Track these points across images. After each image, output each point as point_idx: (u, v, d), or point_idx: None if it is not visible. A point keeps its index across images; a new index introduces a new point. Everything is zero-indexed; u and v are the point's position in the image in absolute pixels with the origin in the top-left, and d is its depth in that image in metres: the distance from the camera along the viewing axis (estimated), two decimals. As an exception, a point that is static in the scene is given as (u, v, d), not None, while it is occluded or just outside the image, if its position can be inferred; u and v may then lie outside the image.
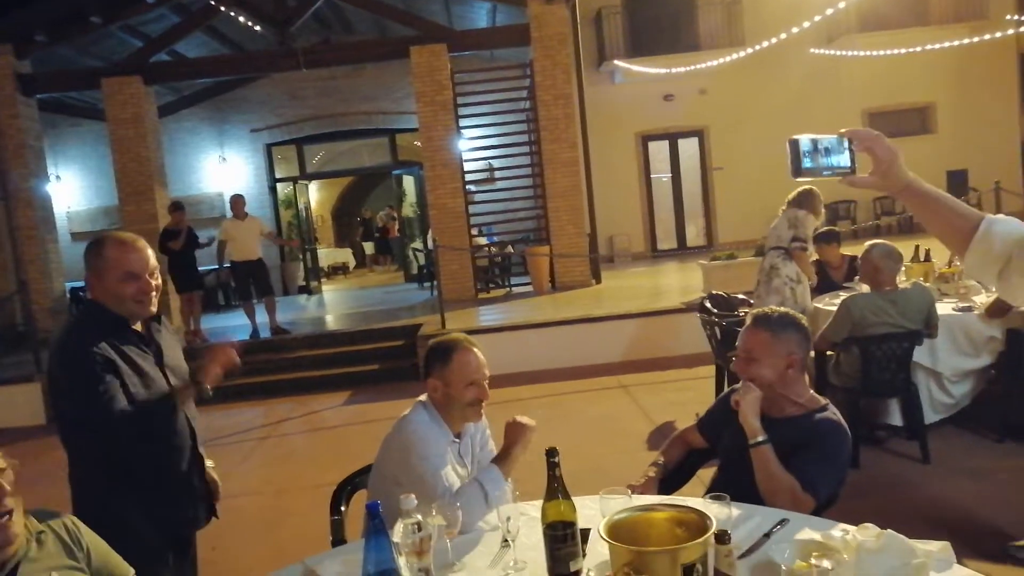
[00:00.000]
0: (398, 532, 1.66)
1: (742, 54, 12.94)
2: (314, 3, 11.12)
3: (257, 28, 11.24)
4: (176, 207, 9.53)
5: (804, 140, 1.42)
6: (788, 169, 1.44)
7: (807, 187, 5.37)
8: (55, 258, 11.20)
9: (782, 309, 2.40)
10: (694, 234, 15.65)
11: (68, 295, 11.56)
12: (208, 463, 2.69)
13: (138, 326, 2.35)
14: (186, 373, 2.47)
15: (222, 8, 10.61)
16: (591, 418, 6.22)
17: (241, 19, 10.85)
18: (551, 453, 1.71)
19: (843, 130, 1.45)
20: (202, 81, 13.55)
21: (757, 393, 2.24)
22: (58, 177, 14.26)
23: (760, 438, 2.19)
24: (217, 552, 3.92)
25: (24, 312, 9.26)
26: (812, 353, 4.54)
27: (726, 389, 3.90)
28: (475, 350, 2.35)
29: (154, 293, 2.32)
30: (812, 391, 2.37)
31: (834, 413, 2.29)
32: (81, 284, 12.34)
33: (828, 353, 4.66)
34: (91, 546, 1.89)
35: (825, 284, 5.90)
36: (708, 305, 5.68)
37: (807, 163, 1.42)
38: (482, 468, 2.27)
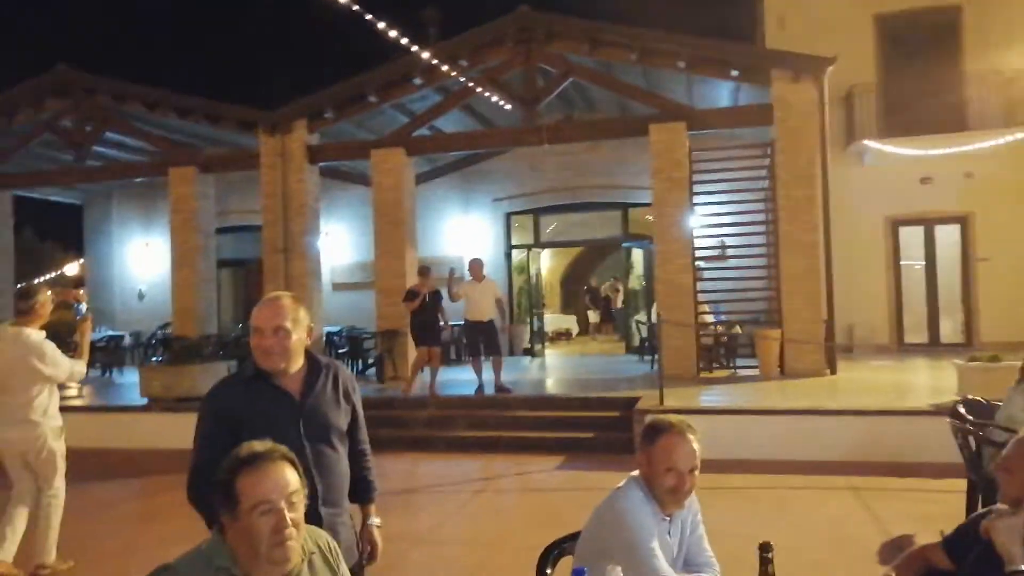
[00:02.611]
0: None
1: (1020, 136, 11.70)
2: (561, 84, 11.81)
3: (507, 106, 12.14)
4: (422, 271, 10.20)
5: None
6: None
7: None
8: (319, 306, 12.66)
9: None
10: (950, 329, 14.10)
11: (324, 339, 12.98)
12: (374, 520, 2.72)
13: (290, 380, 2.42)
14: (333, 427, 2.49)
15: (478, 88, 11.61)
16: (815, 519, 5.77)
17: (494, 98, 11.78)
18: (765, 548, 1.66)
19: None
20: (455, 153, 14.83)
21: (1018, 520, 1.99)
22: (327, 234, 16.15)
23: (1022, 566, 1.94)
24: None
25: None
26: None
27: (980, 508, 3.46)
28: (688, 436, 2.31)
29: (278, 348, 2.37)
30: None
31: None
32: (337, 329, 13.82)
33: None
34: (343, 573, 1.99)
35: None
36: (962, 411, 5.09)
37: None
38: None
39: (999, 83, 13.13)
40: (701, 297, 11.68)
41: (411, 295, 9.88)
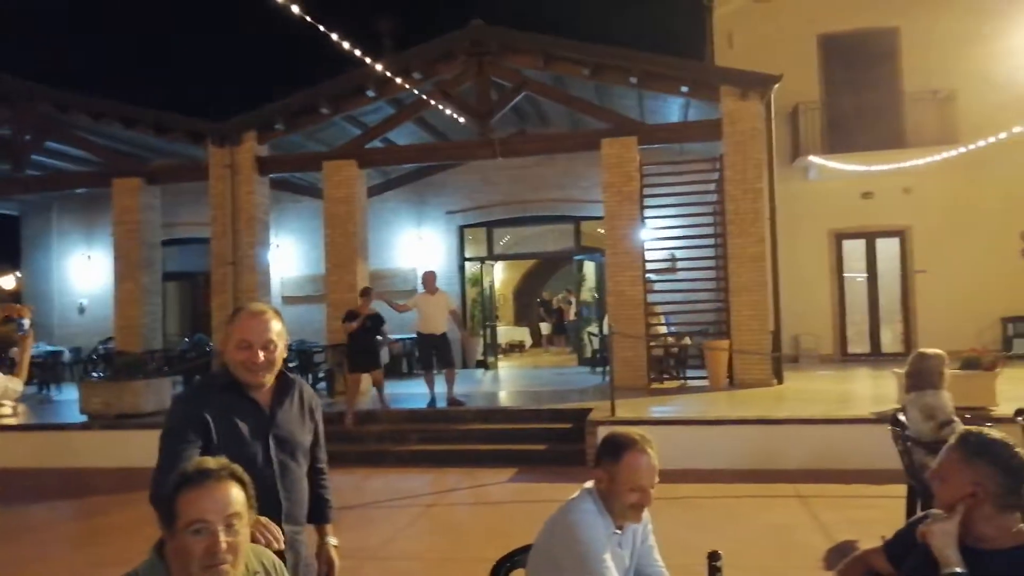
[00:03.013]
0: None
1: (955, 152, 12.15)
2: (514, 98, 11.89)
3: (460, 119, 12.16)
4: (364, 292, 9.91)
5: None
6: None
7: None
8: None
9: (996, 435, 2.18)
10: (890, 339, 14.53)
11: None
12: (331, 540, 2.69)
13: (262, 394, 2.40)
14: (299, 443, 2.47)
15: (432, 101, 11.61)
16: (762, 526, 5.86)
17: (447, 111, 11.80)
18: (713, 557, 1.68)
19: None
20: (408, 166, 14.78)
21: (952, 524, 2.06)
22: (277, 246, 15.90)
23: (957, 569, 2.00)
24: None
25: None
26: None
27: (919, 513, 3.56)
28: (649, 452, 2.33)
29: (266, 363, 2.36)
30: (1022, 527, 2.13)
31: None
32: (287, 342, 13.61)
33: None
34: None
35: None
36: (902, 419, 5.24)
37: None
38: None
39: (935, 102, 13.65)
40: (656, 309, 11.84)
41: (350, 316, 9.55)
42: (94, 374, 13.90)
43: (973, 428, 2.22)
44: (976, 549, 2.08)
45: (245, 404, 2.38)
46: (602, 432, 7.33)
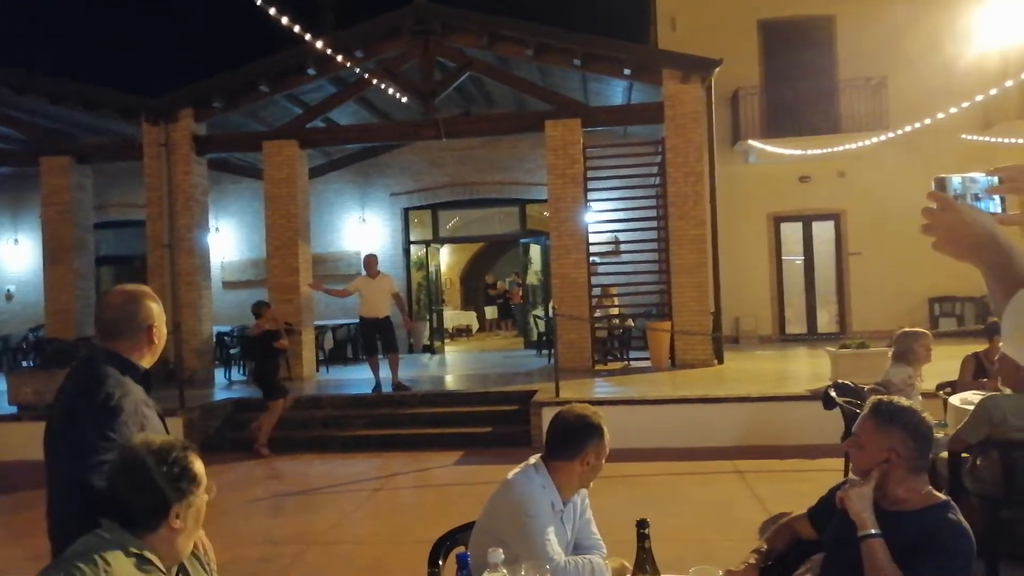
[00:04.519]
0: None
1: (885, 137, 12.53)
2: (458, 78, 11.80)
3: (404, 99, 12.01)
4: (258, 309, 8.86)
5: (954, 180, 1.35)
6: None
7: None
8: (207, 304, 12.15)
9: (905, 403, 2.30)
10: (826, 320, 15.00)
11: (214, 339, 12.48)
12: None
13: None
14: None
15: (374, 81, 11.44)
16: (702, 501, 6.01)
17: (390, 91, 11.64)
18: (641, 524, 1.72)
19: (993, 168, 1.37)
20: (351, 146, 14.56)
21: (867, 488, 2.17)
22: (217, 229, 15.53)
23: (872, 531, 2.11)
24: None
25: (176, 352, 10.04)
26: (944, 454, 4.25)
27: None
28: None
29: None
30: (930, 488, 2.26)
31: (956, 514, 2.16)
32: (228, 328, 13.33)
33: (964, 455, 4.33)
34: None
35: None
36: (832, 394, 5.43)
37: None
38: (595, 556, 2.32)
39: (868, 88, 14.05)
40: (612, 291, 11.97)
41: (272, 336, 8.69)
42: (24, 363, 13.42)
43: (884, 397, 2.33)
44: (890, 512, 2.19)
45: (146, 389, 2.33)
46: (547, 413, 7.41)
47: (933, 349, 5.34)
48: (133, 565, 1.74)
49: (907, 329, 5.42)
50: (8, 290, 16.55)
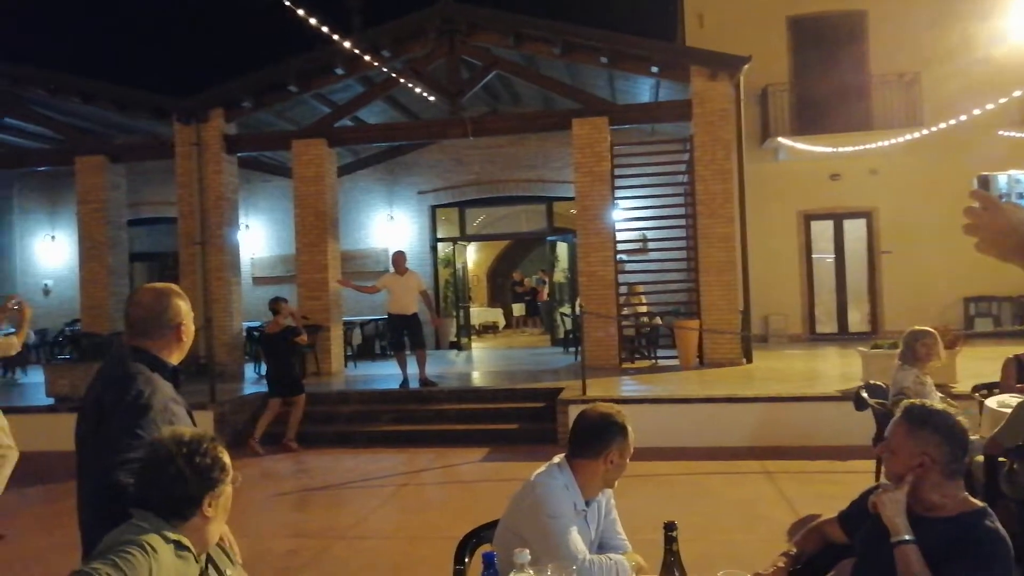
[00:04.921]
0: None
1: (919, 134, 12.32)
2: (485, 76, 11.81)
3: (431, 98, 12.04)
4: (275, 305, 8.76)
5: (999, 178, 1.30)
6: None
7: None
8: (237, 299, 12.32)
9: (939, 406, 2.26)
10: (857, 319, 14.78)
11: (244, 334, 12.64)
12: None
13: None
14: None
15: (402, 80, 11.49)
16: (729, 501, 5.97)
17: (418, 90, 11.68)
18: (669, 527, 1.70)
19: None
20: (378, 145, 14.65)
21: (901, 493, 2.13)
22: (247, 227, 15.71)
23: (905, 536, 2.07)
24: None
25: (207, 346, 10.17)
26: (980, 458, 4.17)
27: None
28: None
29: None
30: (966, 494, 2.21)
31: (993, 521, 2.11)
32: (259, 324, 13.48)
33: (1001, 459, 4.24)
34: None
35: None
36: (864, 395, 5.36)
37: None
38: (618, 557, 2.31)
39: (901, 84, 13.81)
40: (639, 288, 11.91)
41: (292, 332, 8.71)
42: (60, 356, 13.68)
43: (916, 400, 2.29)
44: (925, 517, 2.15)
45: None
46: (574, 411, 7.39)
47: (966, 350, 5.25)
48: (172, 552, 1.80)
49: (914, 328, 5.29)
50: (45, 285, 16.91)
